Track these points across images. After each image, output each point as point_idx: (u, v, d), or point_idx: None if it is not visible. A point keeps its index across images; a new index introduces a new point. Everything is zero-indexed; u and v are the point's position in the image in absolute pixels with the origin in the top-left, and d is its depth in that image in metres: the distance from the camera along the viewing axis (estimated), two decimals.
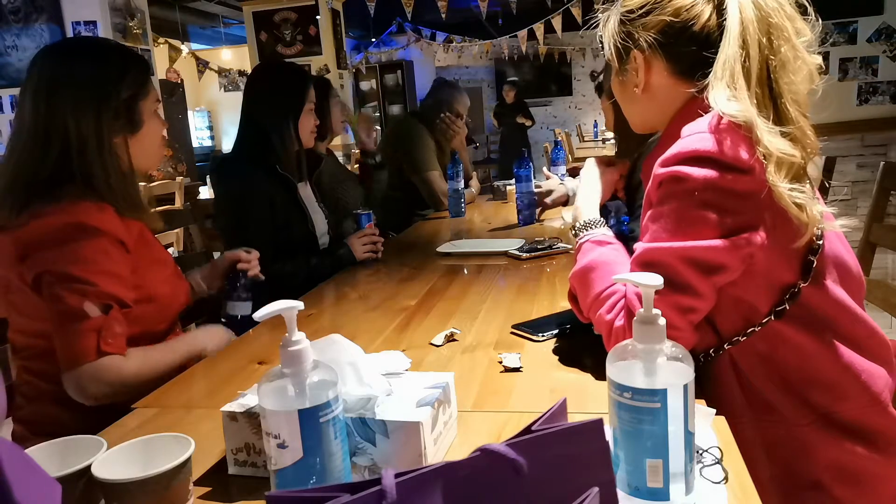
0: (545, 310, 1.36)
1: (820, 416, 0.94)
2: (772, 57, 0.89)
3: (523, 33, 7.42)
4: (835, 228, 0.93)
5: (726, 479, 0.70)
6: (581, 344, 1.14)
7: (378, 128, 2.81)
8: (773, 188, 0.84)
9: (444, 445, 0.83)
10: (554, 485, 0.52)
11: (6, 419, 1.06)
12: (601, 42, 1.08)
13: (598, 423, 0.55)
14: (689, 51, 0.96)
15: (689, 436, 0.65)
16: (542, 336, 1.20)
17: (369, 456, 0.77)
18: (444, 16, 5.82)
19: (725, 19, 0.91)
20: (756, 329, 0.93)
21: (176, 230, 2.95)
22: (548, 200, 2.34)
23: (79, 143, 1.22)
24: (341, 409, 0.68)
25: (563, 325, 1.22)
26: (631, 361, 0.66)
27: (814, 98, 0.92)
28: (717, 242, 0.87)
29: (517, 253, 1.88)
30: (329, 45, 6.59)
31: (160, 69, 5.97)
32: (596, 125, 9.00)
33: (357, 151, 2.89)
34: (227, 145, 9.46)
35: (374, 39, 9.87)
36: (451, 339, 1.24)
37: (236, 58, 9.11)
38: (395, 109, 10.34)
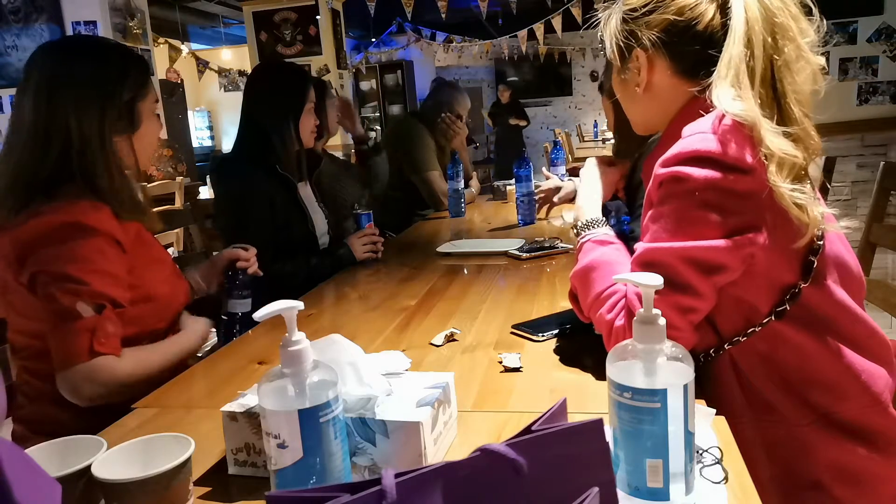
0: (545, 310, 1.36)
1: (820, 417, 0.94)
2: (776, 57, 0.88)
3: (523, 33, 7.42)
4: (836, 230, 0.93)
5: (726, 479, 0.70)
6: (581, 344, 1.14)
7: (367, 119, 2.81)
8: (775, 188, 0.84)
9: (444, 445, 0.83)
10: (554, 485, 0.52)
11: (6, 419, 1.06)
12: (602, 41, 1.07)
13: (598, 423, 0.55)
14: (692, 50, 0.96)
15: (689, 436, 0.65)
16: (542, 336, 1.20)
17: (369, 456, 0.77)
18: (444, 16, 5.82)
19: (729, 18, 0.91)
20: (756, 329, 0.93)
21: (176, 230, 2.95)
22: (555, 199, 2.32)
23: (80, 142, 1.22)
24: (341, 409, 0.68)
25: (563, 325, 1.22)
26: (631, 361, 0.66)
27: (816, 99, 0.92)
28: (718, 243, 0.87)
29: (517, 253, 1.88)
30: (329, 45, 6.59)
31: (160, 69, 5.97)
32: (596, 125, 9.00)
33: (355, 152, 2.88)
34: (227, 145, 9.45)
35: (374, 39, 9.87)
36: (451, 339, 1.24)
37: (236, 58, 9.11)
38: (395, 109, 10.34)
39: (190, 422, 0.99)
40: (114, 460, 0.69)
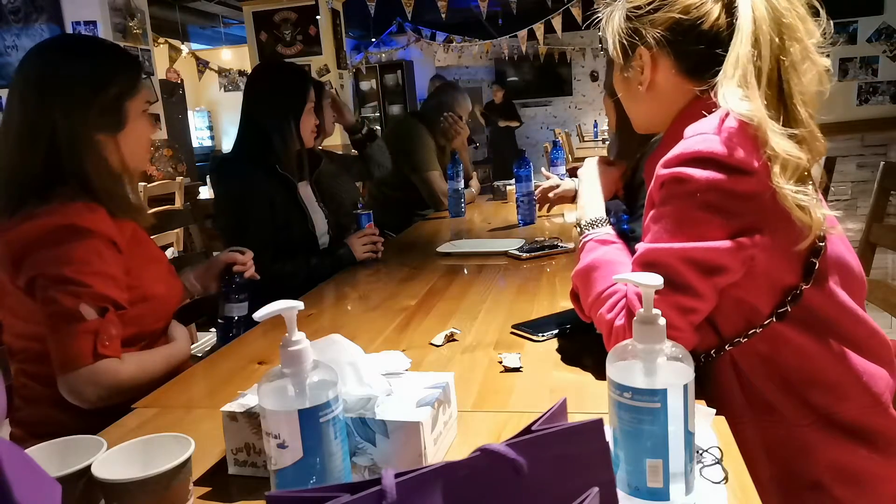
0: (545, 310, 1.36)
1: (820, 417, 0.94)
2: (783, 57, 0.88)
3: (523, 33, 7.42)
4: (839, 233, 0.92)
5: (726, 479, 0.70)
6: (581, 344, 1.14)
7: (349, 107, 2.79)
8: (778, 190, 0.83)
9: (444, 445, 0.83)
10: (554, 485, 0.52)
11: (5, 420, 1.06)
12: (602, 39, 1.07)
13: (598, 423, 0.55)
14: (697, 49, 0.95)
15: (689, 436, 0.64)
16: (542, 336, 1.20)
17: (369, 456, 0.77)
18: (444, 16, 5.82)
19: (735, 18, 0.90)
20: (757, 330, 0.93)
21: (176, 230, 2.95)
22: (551, 195, 2.29)
23: (66, 140, 1.20)
24: (341, 409, 0.68)
25: (563, 325, 1.22)
26: (631, 361, 0.66)
27: (821, 100, 0.91)
28: (719, 244, 0.87)
29: (517, 253, 1.88)
30: (329, 45, 6.59)
31: (160, 69, 5.96)
32: (596, 125, 9.00)
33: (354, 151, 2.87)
34: (227, 145, 9.46)
35: (374, 39, 9.87)
36: (451, 339, 1.24)
37: (236, 58, 9.11)
38: (395, 109, 10.34)
39: (190, 422, 0.99)
40: (114, 460, 0.69)
